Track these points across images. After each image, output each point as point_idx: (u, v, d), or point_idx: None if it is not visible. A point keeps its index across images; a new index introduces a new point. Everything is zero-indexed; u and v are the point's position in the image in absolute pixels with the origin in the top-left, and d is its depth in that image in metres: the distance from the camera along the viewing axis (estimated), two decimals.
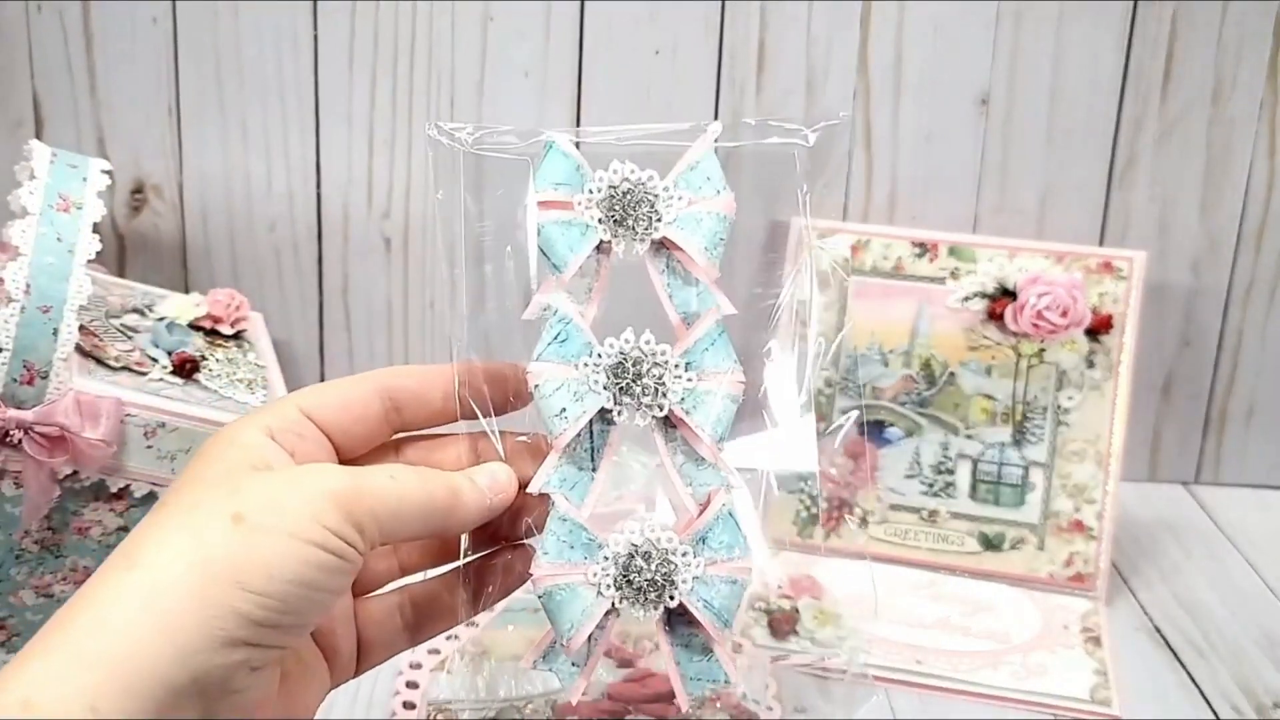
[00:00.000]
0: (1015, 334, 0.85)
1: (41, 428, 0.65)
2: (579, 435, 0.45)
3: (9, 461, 0.66)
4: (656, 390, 0.45)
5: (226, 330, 0.82)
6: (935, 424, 0.86)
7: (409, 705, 0.71)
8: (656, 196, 0.45)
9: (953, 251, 0.87)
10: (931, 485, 0.86)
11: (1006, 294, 0.85)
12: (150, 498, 0.69)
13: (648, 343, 0.45)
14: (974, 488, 0.86)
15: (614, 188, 0.45)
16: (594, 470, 0.45)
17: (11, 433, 0.65)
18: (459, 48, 0.91)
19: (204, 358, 0.77)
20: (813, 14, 0.90)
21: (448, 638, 0.76)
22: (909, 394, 0.86)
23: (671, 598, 0.44)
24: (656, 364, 0.45)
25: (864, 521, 0.86)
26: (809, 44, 0.91)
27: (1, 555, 0.68)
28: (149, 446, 0.68)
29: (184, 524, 0.38)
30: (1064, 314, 0.83)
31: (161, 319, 0.79)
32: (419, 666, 0.74)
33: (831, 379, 0.86)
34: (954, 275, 0.86)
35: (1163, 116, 0.92)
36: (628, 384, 0.44)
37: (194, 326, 0.80)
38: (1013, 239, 0.89)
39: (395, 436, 0.46)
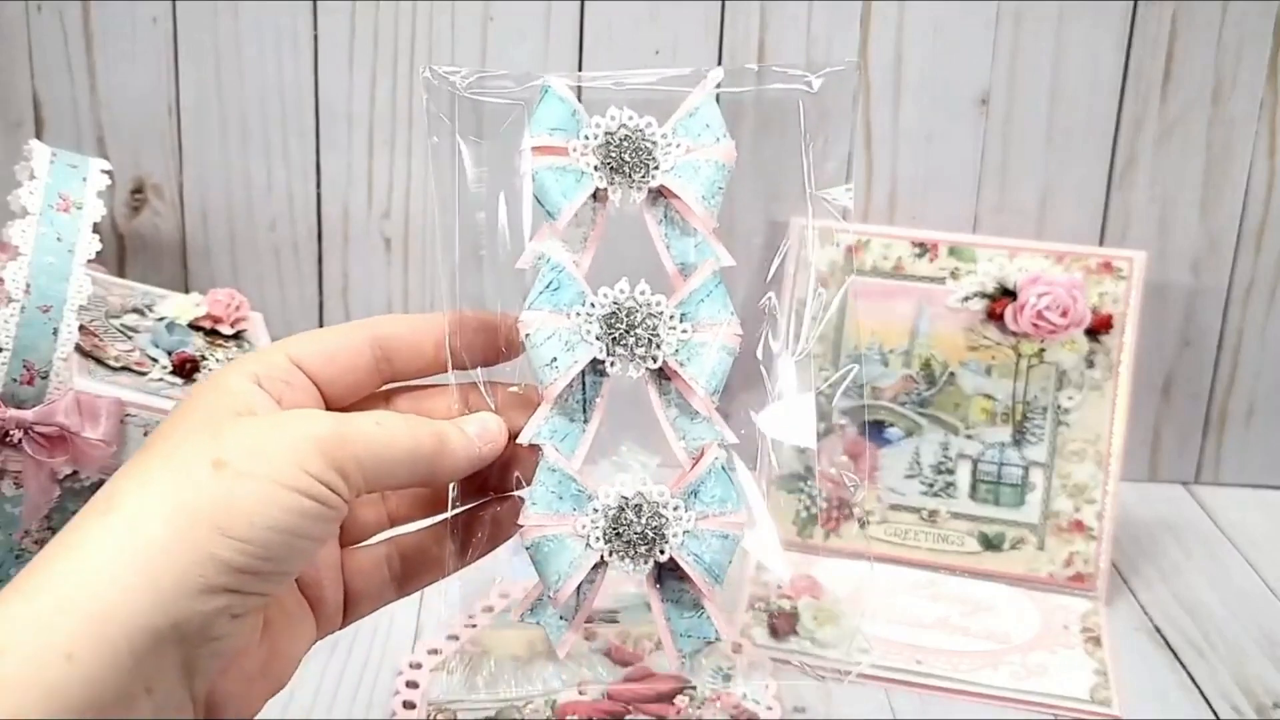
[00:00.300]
0: (1015, 334, 0.85)
1: (41, 427, 0.65)
2: (571, 386, 0.44)
3: (9, 461, 0.66)
4: (650, 341, 0.44)
5: (226, 330, 0.82)
6: (935, 424, 0.86)
7: (409, 705, 0.71)
8: (654, 144, 0.44)
9: (953, 251, 0.87)
10: (931, 485, 0.86)
11: (1006, 294, 0.85)
12: None
13: (642, 293, 0.44)
14: (974, 488, 0.86)
15: (610, 134, 0.44)
16: (585, 422, 0.45)
17: (11, 433, 0.65)
18: (459, 48, 0.91)
19: (204, 358, 0.77)
20: (813, 14, 0.90)
21: (448, 637, 0.76)
22: (909, 394, 0.86)
23: (662, 552, 0.43)
24: (651, 314, 0.44)
25: (863, 524, 0.86)
26: (809, 44, 0.91)
27: (1, 555, 0.68)
28: None
29: (164, 469, 0.37)
30: (1064, 314, 0.83)
31: (161, 319, 0.79)
32: (419, 666, 0.74)
33: (831, 378, 0.86)
34: (954, 275, 0.86)
35: (1163, 116, 0.92)
36: (621, 334, 0.44)
37: (194, 326, 0.80)
38: (1013, 239, 0.89)
39: (385, 387, 0.45)
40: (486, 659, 0.74)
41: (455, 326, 0.45)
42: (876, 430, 0.86)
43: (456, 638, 0.76)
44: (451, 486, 0.45)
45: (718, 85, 0.46)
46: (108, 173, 0.74)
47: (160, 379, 0.72)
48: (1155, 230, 0.94)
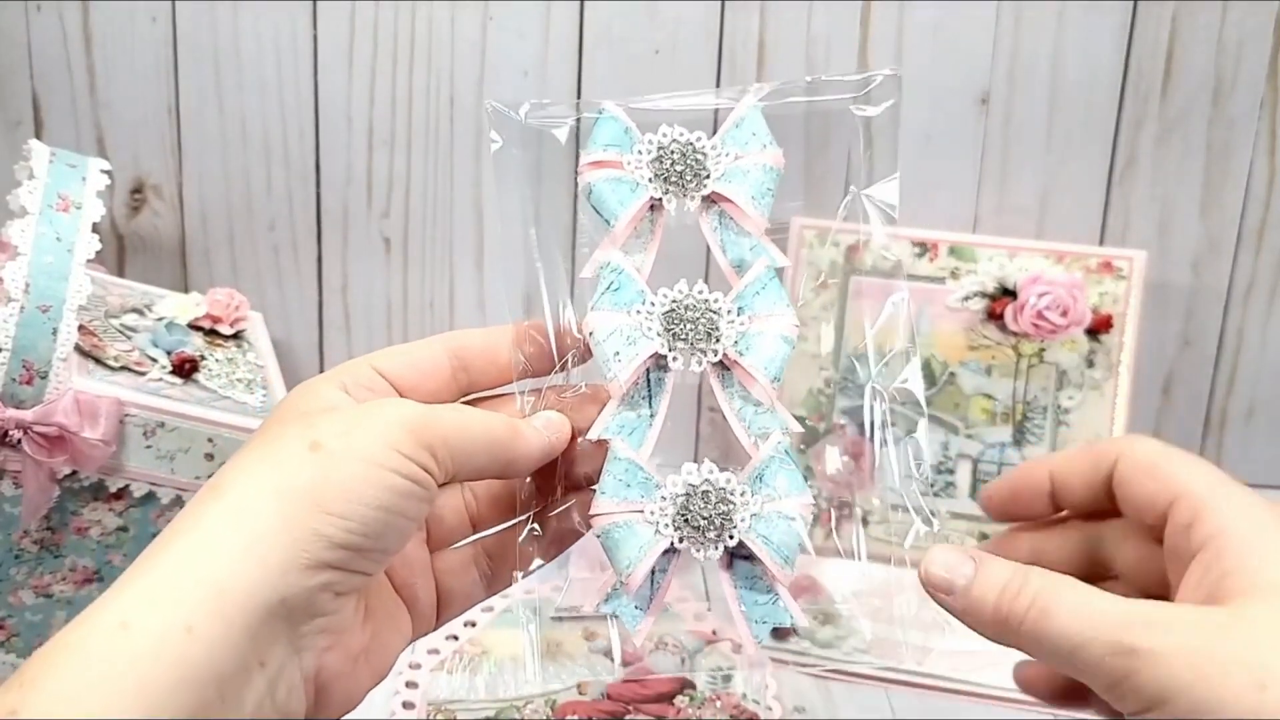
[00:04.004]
0: (1015, 334, 0.85)
1: (41, 427, 0.65)
2: (636, 384, 0.46)
3: (8, 461, 0.66)
4: (709, 334, 0.46)
5: (226, 330, 0.82)
6: (935, 424, 0.86)
7: (408, 705, 0.71)
8: (705, 154, 0.47)
9: (953, 251, 0.87)
10: (931, 485, 0.86)
11: (1006, 294, 0.85)
12: (150, 498, 0.69)
13: (700, 291, 0.46)
14: (974, 487, 0.86)
15: (663, 148, 0.47)
16: (652, 415, 0.46)
17: (11, 432, 0.65)
18: (459, 48, 0.91)
19: (203, 357, 0.77)
20: (813, 14, 0.90)
21: (447, 637, 0.76)
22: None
23: (731, 536, 0.45)
24: (709, 310, 0.46)
25: (865, 521, 0.86)
26: (809, 44, 0.91)
27: (0, 555, 0.68)
28: (148, 446, 0.68)
29: (265, 456, 0.39)
30: (1064, 314, 0.83)
31: (161, 319, 0.79)
32: (419, 666, 0.74)
33: (831, 379, 0.86)
34: (954, 275, 0.86)
35: (1163, 116, 0.92)
36: (681, 330, 0.45)
37: (193, 326, 0.80)
38: (1013, 239, 0.89)
39: (465, 398, 0.47)
40: (486, 659, 0.75)
41: (520, 337, 0.47)
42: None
43: (456, 638, 0.76)
44: (521, 488, 0.47)
45: (761, 98, 0.48)
46: (107, 172, 0.74)
47: (159, 379, 0.72)
48: (1155, 230, 0.94)
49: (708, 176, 0.47)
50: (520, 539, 0.47)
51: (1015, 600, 0.41)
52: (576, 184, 0.47)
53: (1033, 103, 0.92)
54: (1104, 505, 0.47)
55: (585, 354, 0.46)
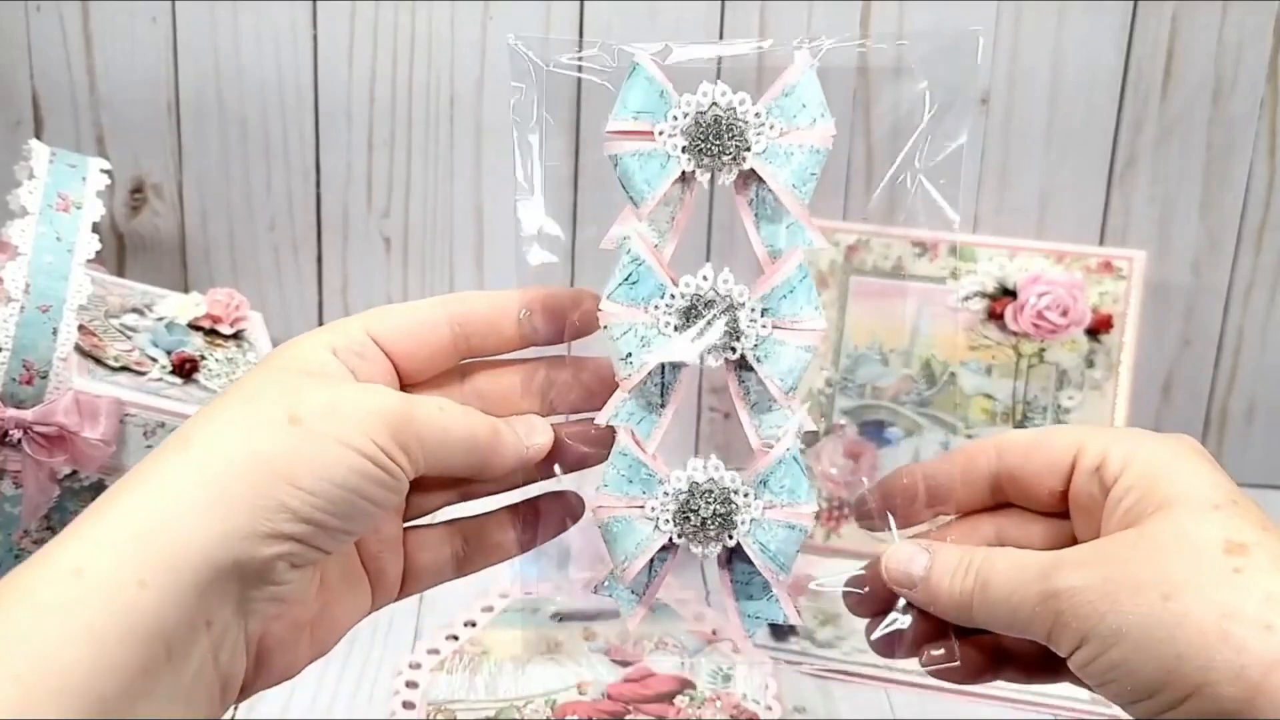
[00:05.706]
0: (1015, 334, 0.85)
1: (41, 427, 0.65)
2: (650, 374, 0.44)
3: (8, 461, 0.66)
4: (729, 333, 0.44)
5: (226, 330, 0.82)
6: (935, 424, 0.86)
7: (409, 705, 0.71)
8: (746, 124, 0.43)
9: (953, 251, 0.87)
10: None
11: (1006, 294, 0.85)
12: None
13: (725, 282, 0.43)
14: None
15: (701, 114, 0.43)
16: (663, 408, 0.45)
17: (11, 432, 0.65)
18: (459, 48, 0.91)
19: (203, 357, 0.77)
20: (813, 14, 0.90)
21: (448, 637, 0.76)
22: (909, 394, 0.86)
23: (730, 537, 0.44)
24: (732, 305, 0.44)
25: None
26: None
27: (0, 555, 0.68)
28: (148, 446, 0.68)
29: (240, 418, 0.39)
30: (1064, 314, 0.83)
31: (161, 319, 0.79)
32: (419, 666, 0.74)
33: (832, 379, 0.86)
34: (954, 275, 0.86)
35: (1163, 116, 0.92)
36: (701, 329, 0.44)
37: (193, 326, 0.80)
38: (1013, 239, 0.89)
39: (464, 361, 0.46)
40: (486, 659, 0.75)
41: (530, 303, 0.45)
42: (876, 430, 0.86)
43: (456, 638, 0.76)
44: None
45: (817, 58, 0.44)
46: (107, 172, 0.74)
47: (159, 379, 0.72)
48: (1155, 230, 0.94)
49: (748, 149, 0.43)
50: (506, 528, 0.46)
51: (964, 580, 0.41)
52: (579, 137, 0.44)
53: (1033, 103, 0.92)
54: (985, 501, 0.46)
55: (587, 328, 0.45)
